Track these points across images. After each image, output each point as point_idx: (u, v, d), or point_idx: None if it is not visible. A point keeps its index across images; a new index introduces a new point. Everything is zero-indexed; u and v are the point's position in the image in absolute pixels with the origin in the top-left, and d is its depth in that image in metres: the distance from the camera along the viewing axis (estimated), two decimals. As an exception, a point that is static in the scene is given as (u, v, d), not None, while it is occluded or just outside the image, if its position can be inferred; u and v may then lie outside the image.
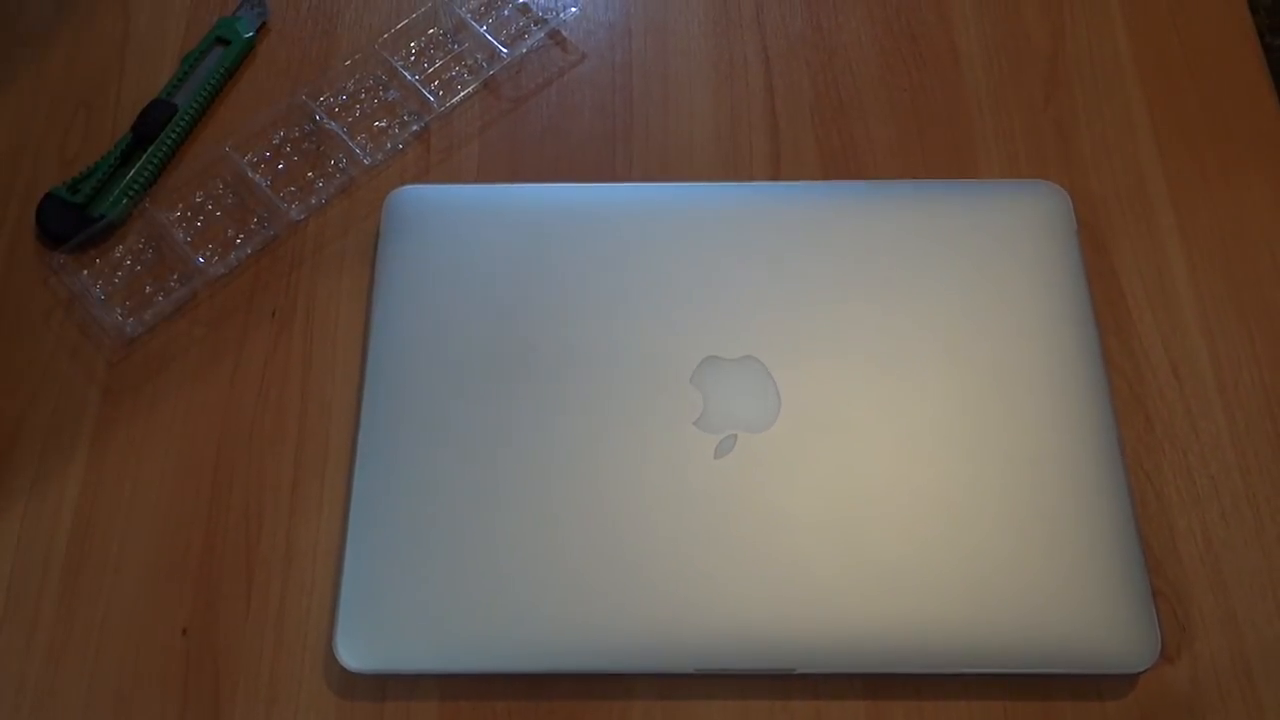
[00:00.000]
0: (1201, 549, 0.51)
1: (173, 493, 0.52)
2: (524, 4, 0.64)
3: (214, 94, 0.61)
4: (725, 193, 0.57)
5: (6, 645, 0.50)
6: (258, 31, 0.63)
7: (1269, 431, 0.53)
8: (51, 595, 0.50)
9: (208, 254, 0.57)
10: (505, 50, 0.62)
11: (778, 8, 0.64)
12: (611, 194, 0.57)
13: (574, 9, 0.64)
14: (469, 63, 0.62)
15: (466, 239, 0.55)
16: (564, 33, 0.64)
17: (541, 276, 0.54)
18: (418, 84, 0.61)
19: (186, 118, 0.60)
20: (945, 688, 0.48)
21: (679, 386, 0.51)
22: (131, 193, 0.58)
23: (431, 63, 0.62)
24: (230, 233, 0.58)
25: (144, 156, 0.59)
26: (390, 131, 0.60)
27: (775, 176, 0.59)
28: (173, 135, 0.60)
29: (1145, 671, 0.47)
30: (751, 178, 0.59)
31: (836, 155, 0.60)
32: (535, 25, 0.63)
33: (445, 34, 0.63)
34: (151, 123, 0.59)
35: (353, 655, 0.47)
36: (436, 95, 0.61)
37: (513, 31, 0.63)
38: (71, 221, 0.57)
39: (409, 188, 0.57)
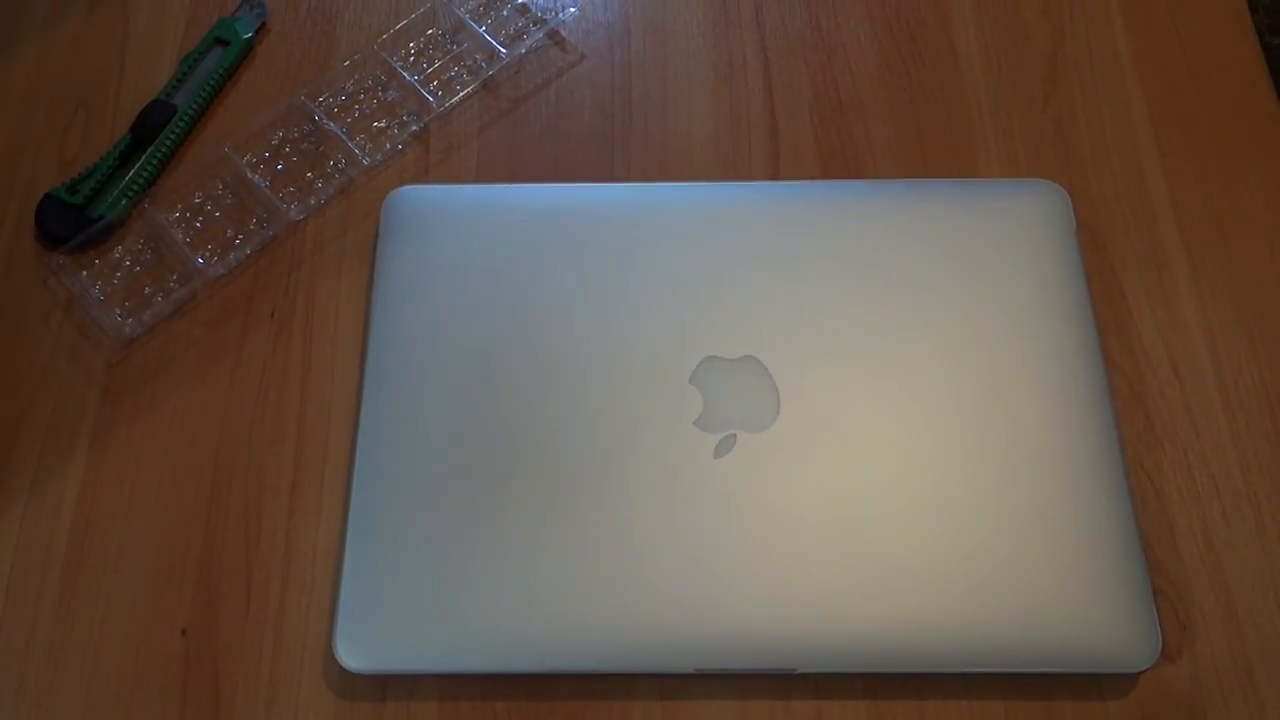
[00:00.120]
0: (1202, 548, 0.51)
1: (172, 493, 0.52)
2: (523, 4, 0.64)
3: (213, 94, 0.61)
4: (724, 193, 0.57)
5: (6, 645, 0.49)
6: (257, 32, 0.63)
7: (1269, 430, 0.53)
8: (51, 595, 0.50)
9: (207, 254, 0.57)
10: (504, 50, 0.62)
11: (777, 8, 0.64)
12: (611, 194, 0.57)
13: (573, 9, 0.64)
14: (468, 63, 0.62)
15: (466, 239, 0.55)
16: (563, 33, 0.64)
17: (541, 276, 0.54)
18: (417, 84, 0.61)
19: (186, 118, 0.60)
20: (946, 687, 0.48)
21: (679, 386, 0.51)
22: (131, 193, 0.58)
23: (430, 63, 0.62)
24: (229, 233, 0.58)
25: (143, 157, 0.59)
26: (389, 132, 0.60)
27: (775, 176, 0.59)
28: (172, 136, 0.60)
29: (1146, 671, 0.47)
30: (751, 178, 0.59)
31: (836, 155, 0.60)
32: (534, 25, 0.63)
33: (444, 34, 0.63)
34: (151, 123, 0.59)
35: (352, 655, 0.47)
36: (435, 95, 0.61)
37: (512, 32, 0.63)
38: (71, 222, 0.57)
39: (408, 188, 0.57)
